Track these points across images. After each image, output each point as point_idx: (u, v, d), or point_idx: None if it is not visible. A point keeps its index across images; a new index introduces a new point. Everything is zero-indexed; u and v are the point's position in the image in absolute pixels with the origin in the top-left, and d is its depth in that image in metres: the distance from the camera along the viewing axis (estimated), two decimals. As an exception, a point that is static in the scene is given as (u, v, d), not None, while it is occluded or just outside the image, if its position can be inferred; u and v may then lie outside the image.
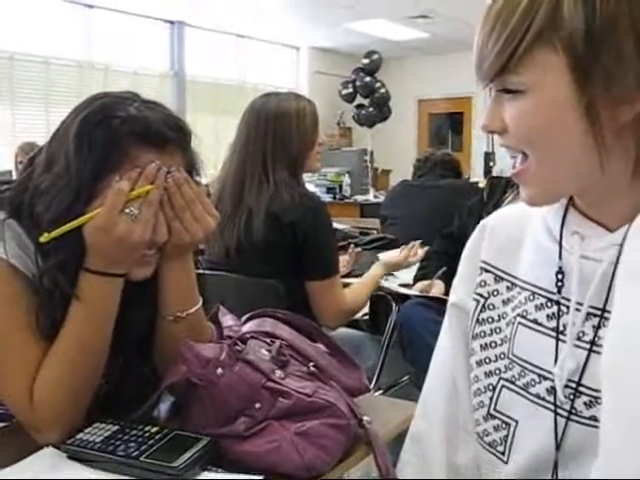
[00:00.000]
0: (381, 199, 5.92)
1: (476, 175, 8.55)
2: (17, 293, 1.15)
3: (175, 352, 1.16)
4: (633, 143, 0.81)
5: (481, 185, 3.56)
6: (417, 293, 2.65)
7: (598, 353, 0.84)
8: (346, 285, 2.50)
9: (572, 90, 0.78)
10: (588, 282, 0.86)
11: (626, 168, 0.82)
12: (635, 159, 0.81)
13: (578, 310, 0.87)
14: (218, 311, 1.35)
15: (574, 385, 0.87)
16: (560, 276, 0.90)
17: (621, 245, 0.82)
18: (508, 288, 0.99)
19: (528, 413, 0.92)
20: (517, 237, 0.99)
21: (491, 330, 0.99)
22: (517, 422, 0.94)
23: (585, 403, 0.86)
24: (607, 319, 0.84)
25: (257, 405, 1.10)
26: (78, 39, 7.59)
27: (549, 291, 0.92)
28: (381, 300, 2.85)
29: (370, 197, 8.51)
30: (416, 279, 2.78)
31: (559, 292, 0.91)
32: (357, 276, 2.82)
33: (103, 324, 1.18)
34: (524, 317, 0.94)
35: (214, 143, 7.74)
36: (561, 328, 0.90)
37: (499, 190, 2.71)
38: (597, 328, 0.85)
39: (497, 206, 2.66)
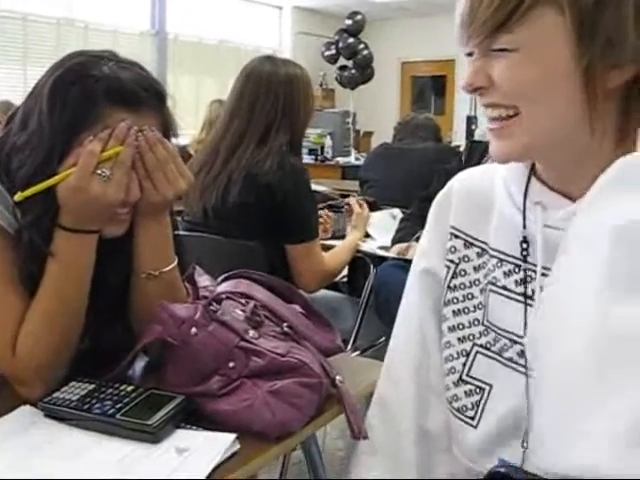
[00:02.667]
0: (362, 161, 5.92)
1: (458, 139, 8.56)
2: None
3: (150, 312, 1.17)
4: (615, 111, 0.82)
5: (462, 149, 3.57)
6: (394, 255, 2.67)
7: None
8: (327, 248, 2.52)
9: (573, 50, 0.78)
10: (553, 249, 0.87)
11: (603, 135, 0.83)
12: (617, 127, 0.83)
13: (544, 275, 0.89)
14: (194, 272, 1.36)
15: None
16: (525, 245, 0.92)
17: None
18: (478, 254, 1.00)
19: (502, 376, 0.93)
20: (484, 204, 0.99)
21: (463, 296, 1.00)
22: (491, 386, 0.95)
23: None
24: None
25: (231, 364, 1.11)
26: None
27: (516, 257, 0.94)
28: (359, 262, 2.88)
29: (352, 159, 8.50)
30: (394, 241, 2.80)
31: (524, 260, 0.92)
32: (337, 238, 2.84)
33: (80, 279, 1.19)
34: (494, 284, 0.95)
35: (195, 103, 7.68)
36: (529, 293, 0.91)
37: (477, 154, 2.72)
38: None
39: (475, 170, 2.68)
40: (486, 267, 0.98)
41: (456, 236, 1.02)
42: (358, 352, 2.69)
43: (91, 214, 1.16)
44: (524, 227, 0.92)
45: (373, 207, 3.19)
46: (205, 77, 9.27)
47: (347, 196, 3.73)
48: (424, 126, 3.88)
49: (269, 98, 2.27)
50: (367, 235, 2.91)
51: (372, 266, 2.80)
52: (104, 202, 1.14)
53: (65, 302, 1.18)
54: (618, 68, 0.79)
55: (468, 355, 0.98)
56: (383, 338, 2.80)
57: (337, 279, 3.30)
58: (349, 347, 2.63)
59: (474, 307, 0.99)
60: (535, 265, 0.91)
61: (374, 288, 2.65)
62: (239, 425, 1.07)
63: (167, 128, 1.26)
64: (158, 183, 1.20)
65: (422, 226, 2.86)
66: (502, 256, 0.95)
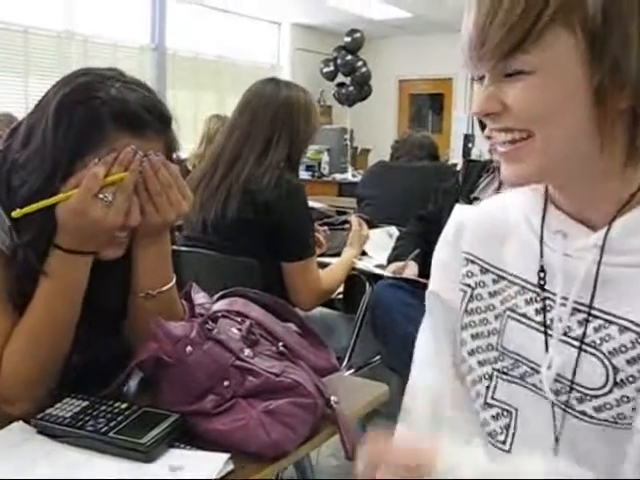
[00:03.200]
0: (359, 178, 5.93)
1: (455, 157, 8.58)
2: None
3: (147, 329, 1.17)
4: (624, 134, 0.82)
5: (459, 167, 3.58)
6: (390, 274, 2.67)
7: (586, 352, 0.85)
8: (323, 265, 2.52)
9: (585, 70, 0.78)
10: (572, 278, 0.87)
11: (614, 160, 0.83)
12: (625, 151, 0.82)
13: (564, 305, 0.88)
14: (191, 289, 1.36)
15: (566, 381, 0.87)
16: (542, 274, 0.91)
17: (602, 248, 0.84)
18: (494, 281, 0.98)
19: (528, 401, 0.91)
20: (499, 232, 0.98)
21: (479, 320, 0.98)
22: (517, 410, 0.93)
23: (577, 399, 0.86)
24: (594, 316, 0.85)
25: (226, 383, 1.11)
26: (58, 9, 7.47)
27: (534, 285, 0.93)
28: (355, 280, 2.88)
29: (348, 176, 8.51)
30: (390, 260, 2.80)
31: (542, 288, 0.91)
32: (333, 255, 2.84)
33: (71, 300, 1.19)
34: (513, 311, 0.94)
35: (193, 118, 7.69)
36: (548, 322, 0.90)
37: (475, 173, 2.72)
38: (585, 324, 0.86)
39: (472, 189, 2.68)
40: (503, 294, 0.96)
41: (472, 262, 1.00)
42: (353, 370, 2.69)
43: (89, 237, 1.16)
44: (541, 255, 0.91)
45: (370, 225, 3.20)
46: (203, 92, 9.29)
47: (344, 213, 3.74)
48: (421, 144, 3.89)
49: (267, 115, 2.31)
50: (363, 253, 2.91)
51: (368, 284, 2.80)
52: (103, 226, 1.13)
53: (54, 321, 1.17)
54: (625, 89, 0.79)
55: (490, 378, 0.96)
56: (378, 357, 2.80)
57: (334, 296, 3.30)
58: (344, 365, 2.62)
59: (488, 332, 0.97)
60: (554, 294, 0.90)
61: (370, 306, 2.65)
62: (233, 445, 1.07)
63: (170, 150, 1.26)
64: (160, 206, 1.19)
65: (419, 245, 2.87)
66: (523, 283, 0.94)
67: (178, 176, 1.22)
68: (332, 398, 1.18)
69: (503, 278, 0.97)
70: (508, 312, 0.94)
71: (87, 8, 7.66)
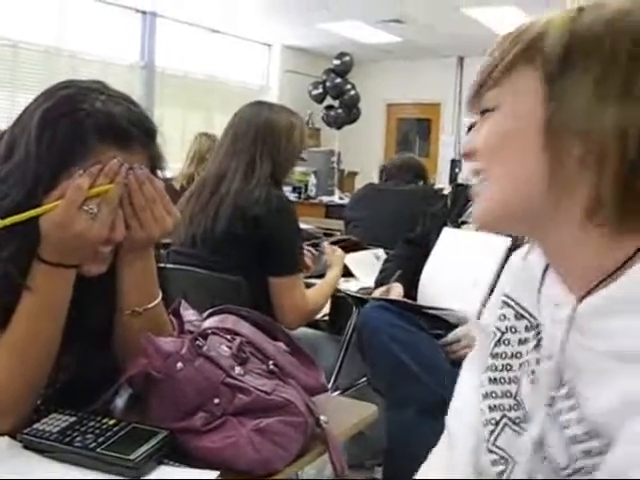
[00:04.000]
0: (346, 201, 5.96)
1: (442, 182, 8.63)
2: None
3: (135, 345, 1.16)
4: (582, 189, 0.77)
5: (446, 192, 3.60)
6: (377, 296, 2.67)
7: (560, 432, 0.82)
8: (308, 286, 2.52)
9: (538, 105, 0.78)
10: (557, 345, 0.84)
11: (574, 219, 0.78)
12: (585, 211, 0.77)
13: (548, 371, 0.85)
14: (180, 305, 1.36)
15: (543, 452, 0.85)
16: (539, 330, 0.89)
17: (568, 325, 0.81)
18: (527, 328, 0.94)
19: (528, 457, 0.88)
20: (534, 281, 0.93)
21: (502, 366, 0.96)
22: (516, 463, 0.90)
23: (552, 469, 0.83)
24: (571, 396, 0.81)
25: (216, 401, 1.11)
26: (48, 25, 7.49)
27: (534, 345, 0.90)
28: (341, 302, 2.88)
29: (335, 198, 8.54)
30: (376, 283, 2.80)
31: (537, 348, 0.89)
32: (319, 277, 2.84)
33: (55, 314, 1.17)
34: (528, 366, 0.91)
35: (181, 137, 7.70)
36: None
37: (463, 197, 2.73)
38: (563, 401, 0.83)
39: (461, 213, 2.70)
40: (530, 344, 0.92)
41: (508, 305, 0.97)
42: (339, 392, 2.68)
43: (73, 249, 1.14)
44: (540, 313, 0.89)
45: (358, 247, 3.21)
46: (191, 111, 9.31)
47: (331, 235, 3.75)
48: (409, 167, 3.91)
49: (249, 134, 2.37)
50: (350, 275, 2.91)
51: (355, 306, 2.80)
52: (88, 239, 1.12)
53: (39, 336, 1.15)
54: (579, 136, 0.76)
55: (497, 424, 0.94)
56: (364, 378, 2.79)
57: (318, 317, 3.30)
58: (330, 386, 2.62)
59: (509, 379, 0.94)
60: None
61: (357, 328, 2.64)
62: (223, 462, 1.06)
63: (155, 164, 1.25)
64: (145, 222, 1.18)
65: (404, 267, 2.87)
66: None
67: (162, 192, 1.21)
68: (322, 417, 1.17)
69: (533, 327, 0.93)
70: (525, 365, 0.92)
71: (77, 24, 7.69)
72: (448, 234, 2.60)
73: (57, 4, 7.52)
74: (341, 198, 8.38)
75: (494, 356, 0.97)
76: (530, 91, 0.79)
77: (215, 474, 1.03)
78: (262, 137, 2.36)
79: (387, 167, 3.99)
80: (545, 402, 0.85)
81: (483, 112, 0.84)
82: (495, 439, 0.94)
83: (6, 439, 1.11)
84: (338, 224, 4.45)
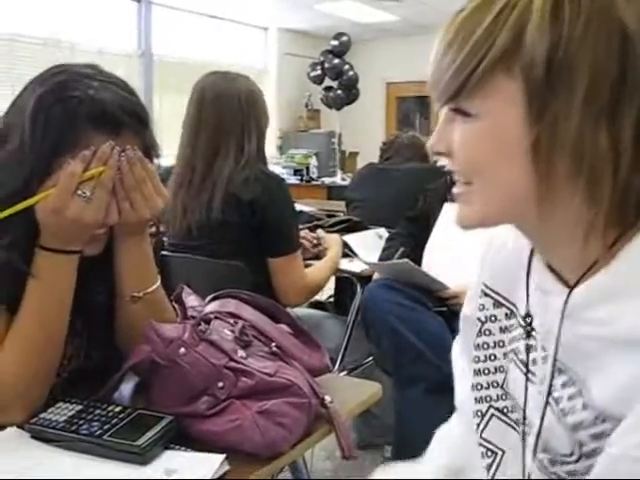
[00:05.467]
0: (348, 181, 5.93)
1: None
2: None
3: (136, 332, 1.17)
4: (570, 200, 0.75)
5: (447, 169, 3.58)
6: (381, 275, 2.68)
7: (559, 419, 0.82)
8: (308, 267, 2.52)
9: (523, 122, 0.73)
10: (551, 334, 0.83)
11: (567, 218, 0.77)
12: (574, 220, 0.76)
13: (544, 362, 0.84)
14: (182, 292, 1.36)
15: (541, 442, 0.85)
16: (529, 319, 0.87)
17: (562, 314, 0.80)
18: (507, 315, 0.93)
19: (515, 447, 0.90)
20: (515, 265, 0.92)
21: (485, 357, 0.95)
22: (504, 452, 0.91)
23: (550, 460, 0.84)
24: (572, 383, 0.81)
25: (219, 384, 1.11)
26: (44, 16, 7.46)
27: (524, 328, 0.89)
28: (345, 282, 2.88)
29: (337, 179, 8.53)
30: (380, 260, 2.81)
31: (528, 337, 0.87)
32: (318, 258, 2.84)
33: (61, 300, 1.18)
34: (516, 354, 0.90)
35: (179, 123, 7.68)
36: (530, 376, 0.88)
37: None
38: (563, 388, 0.82)
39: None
40: (513, 332, 0.92)
41: (486, 294, 0.96)
42: (345, 372, 2.69)
43: (71, 235, 1.15)
44: (527, 301, 0.88)
45: (360, 227, 3.20)
46: (191, 97, 9.28)
47: (333, 216, 3.74)
48: (409, 145, 3.88)
49: (233, 107, 2.29)
50: (354, 254, 2.91)
51: (359, 286, 2.80)
52: (84, 223, 1.13)
53: (46, 324, 1.16)
54: (566, 149, 0.72)
55: (483, 416, 0.94)
56: (370, 358, 2.80)
57: (323, 299, 3.31)
58: (336, 367, 2.63)
59: (495, 369, 0.94)
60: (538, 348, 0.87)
61: (361, 308, 2.65)
62: (228, 446, 1.07)
63: (148, 150, 1.25)
64: (135, 203, 1.19)
65: (407, 245, 2.87)
66: (528, 328, 0.89)
67: (154, 173, 1.21)
68: (326, 397, 1.18)
69: (514, 314, 0.92)
70: (511, 354, 0.91)
71: (73, 15, 7.65)
72: (450, 209, 2.60)
73: (51, -5, 7.50)
74: (343, 179, 8.37)
75: (477, 347, 0.96)
76: (513, 107, 0.73)
77: (222, 457, 1.03)
78: (247, 108, 2.29)
79: (387, 145, 3.96)
80: (544, 391, 0.83)
81: (458, 110, 0.78)
82: (482, 431, 0.94)
83: (14, 429, 1.12)
84: (340, 205, 4.43)
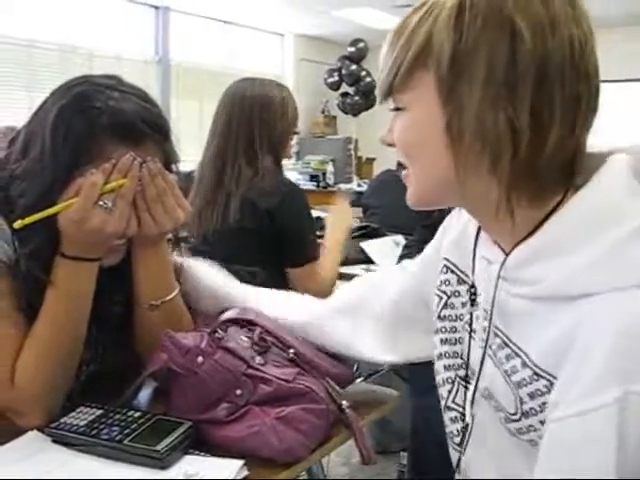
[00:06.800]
0: (364, 188, 5.93)
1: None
2: None
3: (155, 339, 1.18)
4: (484, 172, 0.84)
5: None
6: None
7: (505, 379, 0.88)
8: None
9: (437, 108, 0.84)
10: (490, 304, 0.92)
11: (480, 193, 0.86)
12: (497, 195, 0.84)
13: (484, 330, 0.93)
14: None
15: (494, 402, 0.92)
16: (473, 290, 0.97)
17: (497, 277, 0.89)
18: (467, 291, 1.02)
19: (482, 410, 0.97)
20: (469, 240, 1.02)
21: (449, 328, 1.04)
22: (473, 416, 0.97)
23: (504, 418, 0.90)
24: (506, 344, 0.89)
25: (238, 392, 1.12)
26: (61, 23, 7.50)
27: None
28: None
29: (354, 186, 8.51)
30: (398, 269, 2.80)
31: (472, 305, 0.98)
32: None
33: (80, 308, 1.19)
34: (467, 323, 1.00)
35: (198, 128, 7.71)
36: (473, 342, 0.98)
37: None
38: (501, 351, 0.90)
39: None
40: (467, 305, 1.01)
41: (451, 271, 1.06)
42: (362, 378, 2.69)
43: (91, 244, 1.16)
44: (473, 272, 0.98)
45: (377, 233, 3.20)
46: (208, 103, 9.30)
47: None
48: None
49: (243, 118, 2.29)
50: (370, 261, 2.91)
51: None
52: (105, 233, 1.14)
53: (64, 331, 1.17)
54: (472, 134, 0.82)
55: (452, 383, 1.02)
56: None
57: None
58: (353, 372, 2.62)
59: (456, 340, 1.03)
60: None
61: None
62: (246, 451, 1.07)
63: (168, 160, 1.26)
64: (156, 215, 1.20)
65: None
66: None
67: (174, 185, 1.22)
68: (344, 403, 1.18)
69: (471, 287, 1.01)
70: (466, 326, 1.01)
71: (90, 22, 7.69)
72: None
73: (70, 2, 7.54)
74: (359, 185, 8.35)
75: (442, 318, 1.05)
76: (429, 96, 0.84)
77: (241, 462, 1.04)
78: (258, 114, 2.28)
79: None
80: (487, 353, 0.92)
81: (396, 108, 0.90)
82: (454, 397, 1.02)
83: (35, 433, 1.13)
84: (357, 211, 4.42)
